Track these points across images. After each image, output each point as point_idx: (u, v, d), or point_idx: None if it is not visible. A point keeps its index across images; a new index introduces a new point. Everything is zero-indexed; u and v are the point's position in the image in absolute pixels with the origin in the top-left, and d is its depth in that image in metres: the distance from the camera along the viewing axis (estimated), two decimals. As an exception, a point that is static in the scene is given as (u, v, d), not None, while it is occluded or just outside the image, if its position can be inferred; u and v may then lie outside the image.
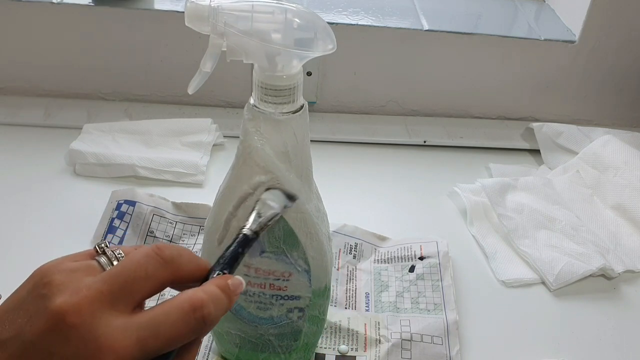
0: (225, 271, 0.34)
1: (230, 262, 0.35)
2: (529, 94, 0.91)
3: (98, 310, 0.28)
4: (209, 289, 0.32)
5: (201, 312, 0.30)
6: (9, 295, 0.31)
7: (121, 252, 0.32)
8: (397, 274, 0.63)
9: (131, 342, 0.29)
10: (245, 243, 0.37)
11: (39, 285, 0.30)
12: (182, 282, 0.33)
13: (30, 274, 0.31)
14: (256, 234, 0.38)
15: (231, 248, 0.36)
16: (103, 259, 0.32)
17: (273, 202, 0.41)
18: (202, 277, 0.33)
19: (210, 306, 0.31)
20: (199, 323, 0.30)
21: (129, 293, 0.30)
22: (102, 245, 0.33)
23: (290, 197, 0.42)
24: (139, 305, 0.31)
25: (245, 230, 0.37)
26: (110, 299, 0.29)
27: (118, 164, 0.73)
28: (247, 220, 0.39)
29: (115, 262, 0.32)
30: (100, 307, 0.29)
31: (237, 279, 0.33)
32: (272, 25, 0.40)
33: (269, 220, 0.39)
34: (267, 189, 0.42)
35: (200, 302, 0.31)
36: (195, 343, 0.32)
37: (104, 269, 0.31)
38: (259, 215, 0.39)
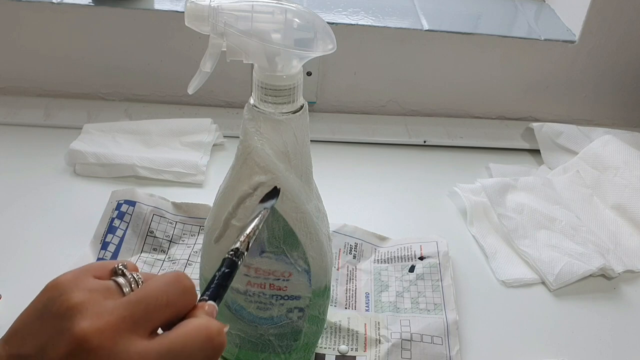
0: (205, 297, 0.34)
1: (215, 289, 0.34)
2: (529, 94, 0.91)
3: (119, 336, 0.29)
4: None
5: (219, 340, 0.31)
6: (26, 307, 0.31)
7: (140, 276, 0.32)
8: (397, 274, 0.63)
9: None
10: (231, 265, 0.36)
11: (57, 302, 0.29)
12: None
13: (45, 286, 0.31)
14: (239, 253, 0.37)
15: (217, 274, 0.35)
16: (122, 280, 0.32)
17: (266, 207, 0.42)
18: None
19: (224, 335, 0.31)
20: (215, 351, 0.31)
21: (150, 319, 0.30)
22: (121, 266, 0.33)
23: (275, 193, 0.43)
24: (154, 331, 0.31)
25: (228, 255, 0.37)
26: (131, 325, 0.29)
27: (118, 164, 0.73)
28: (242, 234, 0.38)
29: (134, 286, 0.32)
30: (122, 333, 0.29)
31: (212, 305, 0.33)
32: (272, 25, 0.40)
33: (257, 230, 0.40)
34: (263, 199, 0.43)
35: (217, 331, 0.31)
36: None
37: (122, 291, 0.31)
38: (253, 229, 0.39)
